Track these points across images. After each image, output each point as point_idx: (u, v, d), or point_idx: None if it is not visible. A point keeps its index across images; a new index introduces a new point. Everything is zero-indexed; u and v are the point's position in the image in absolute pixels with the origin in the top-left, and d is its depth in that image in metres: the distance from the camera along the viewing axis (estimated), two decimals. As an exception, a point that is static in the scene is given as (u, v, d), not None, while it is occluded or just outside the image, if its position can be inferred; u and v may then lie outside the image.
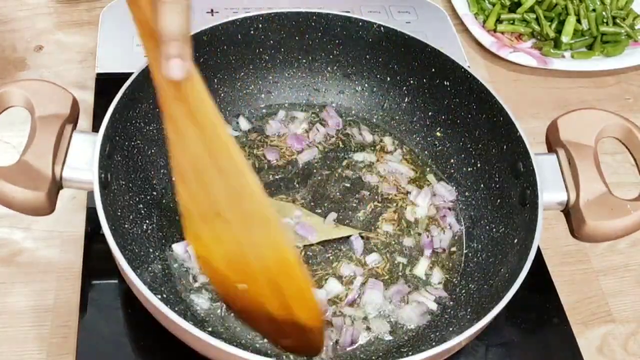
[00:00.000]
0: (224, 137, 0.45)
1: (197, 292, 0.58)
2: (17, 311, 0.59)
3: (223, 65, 0.69)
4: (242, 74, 0.71)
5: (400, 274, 0.62)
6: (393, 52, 0.69)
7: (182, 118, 0.45)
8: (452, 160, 0.69)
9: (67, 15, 0.87)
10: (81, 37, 0.84)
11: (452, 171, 0.69)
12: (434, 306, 0.59)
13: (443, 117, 0.70)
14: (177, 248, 0.60)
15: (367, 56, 0.71)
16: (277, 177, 0.67)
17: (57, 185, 0.53)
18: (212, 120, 0.44)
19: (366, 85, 0.73)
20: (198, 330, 0.46)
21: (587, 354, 0.60)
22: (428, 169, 0.70)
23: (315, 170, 0.68)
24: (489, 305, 0.51)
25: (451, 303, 0.60)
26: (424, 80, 0.69)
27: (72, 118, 0.56)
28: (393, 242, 0.64)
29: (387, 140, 0.72)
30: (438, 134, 0.71)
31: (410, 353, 0.47)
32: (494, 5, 0.93)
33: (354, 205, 0.66)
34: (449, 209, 0.67)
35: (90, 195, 0.53)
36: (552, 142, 0.61)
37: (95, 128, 0.56)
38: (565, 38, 0.89)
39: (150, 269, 0.57)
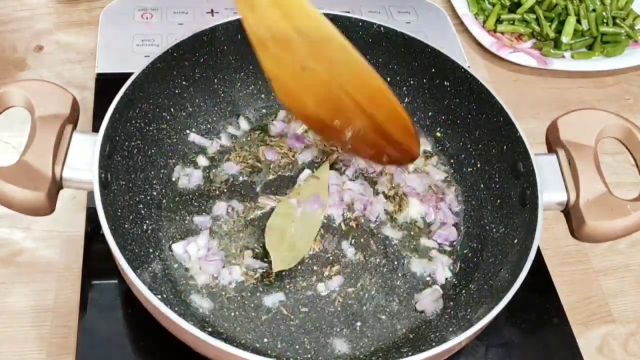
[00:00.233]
0: None
1: (197, 292, 0.58)
2: (17, 311, 0.59)
3: (223, 65, 0.69)
4: (242, 74, 0.71)
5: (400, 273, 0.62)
6: (393, 52, 0.69)
7: None
8: (452, 161, 0.69)
9: (67, 15, 0.87)
10: (81, 37, 0.84)
11: (452, 171, 0.69)
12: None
13: (443, 117, 0.70)
14: (177, 248, 0.60)
15: (367, 56, 0.70)
16: (277, 176, 0.67)
17: (57, 185, 0.53)
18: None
19: (366, 85, 0.73)
20: (198, 331, 0.46)
21: (587, 354, 0.60)
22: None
23: (314, 170, 0.68)
24: (489, 305, 0.51)
25: (451, 303, 0.60)
26: (424, 80, 0.69)
27: (72, 118, 0.56)
28: (394, 242, 0.64)
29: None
30: (438, 134, 0.71)
31: (410, 353, 0.47)
32: (494, 5, 0.93)
33: (357, 203, 0.66)
34: (444, 204, 0.67)
35: (90, 195, 0.53)
36: (552, 143, 0.61)
37: (95, 128, 0.56)
38: (565, 38, 0.89)
39: (150, 269, 0.57)
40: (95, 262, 0.60)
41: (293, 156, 0.69)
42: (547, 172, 0.58)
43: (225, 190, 0.65)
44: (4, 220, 0.65)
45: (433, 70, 0.68)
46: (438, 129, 0.71)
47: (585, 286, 0.68)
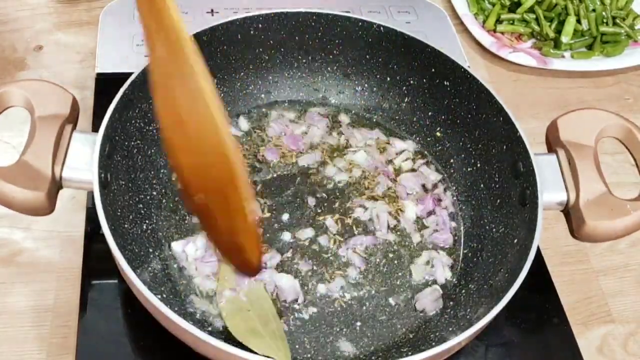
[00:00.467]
0: (186, 50, 0.47)
1: (197, 292, 0.58)
2: (17, 311, 0.59)
3: (223, 65, 0.69)
4: (242, 74, 0.71)
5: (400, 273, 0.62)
6: (393, 52, 0.70)
7: (154, 31, 0.48)
8: (452, 160, 0.69)
9: (67, 15, 0.87)
10: (81, 37, 0.84)
11: (452, 171, 0.69)
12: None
13: (443, 117, 0.70)
14: (176, 247, 0.60)
15: (367, 56, 0.71)
16: (277, 176, 0.67)
17: (56, 185, 0.53)
18: (175, 32, 0.46)
19: (366, 85, 0.73)
20: (198, 330, 0.46)
21: (587, 354, 0.60)
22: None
23: (314, 170, 0.68)
24: (489, 305, 0.51)
25: (451, 303, 0.60)
26: (424, 80, 0.69)
27: (72, 118, 0.56)
28: (394, 242, 0.64)
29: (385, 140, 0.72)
30: (438, 134, 0.71)
31: (410, 353, 0.47)
32: (493, 5, 0.93)
33: (355, 204, 0.66)
34: (443, 204, 0.67)
35: (90, 195, 0.53)
36: (552, 142, 0.61)
37: (95, 128, 0.56)
38: (565, 38, 0.89)
39: (150, 269, 0.57)
40: (95, 262, 0.60)
41: (292, 157, 0.69)
42: (547, 172, 0.58)
43: (225, 190, 0.65)
44: (4, 220, 0.65)
45: (433, 70, 0.68)
46: (438, 128, 0.71)
47: (585, 286, 0.68)
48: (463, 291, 0.60)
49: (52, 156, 0.53)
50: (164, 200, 0.64)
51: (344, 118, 0.73)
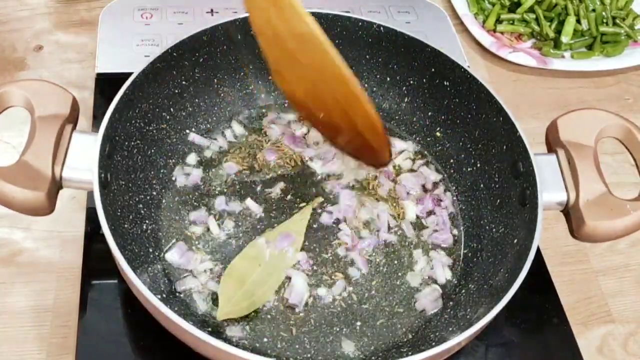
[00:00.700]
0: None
1: (197, 292, 0.58)
2: (17, 311, 0.59)
3: (223, 65, 0.69)
4: (242, 74, 0.71)
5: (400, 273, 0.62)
6: (393, 52, 0.70)
7: None
8: (452, 161, 0.69)
9: (66, 15, 0.87)
10: (81, 37, 0.84)
11: (452, 171, 0.69)
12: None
13: (443, 117, 0.70)
14: (171, 257, 0.59)
15: (367, 56, 0.71)
16: (277, 175, 0.67)
17: (57, 185, 0.53)
18: None
19: (366, 85, 0.73)
20: (198, 330, 0.46)
21: (587, 354, 0.60)
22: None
23: (315, 171, 0.68)
24: (489, 305, 0.51)
25: (451, 303, 0.60)
26: (424, 80, 0.69)
27: (72, 118, 0.56)
28: (394, 242, 0.64)
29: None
30: (438, 134, 0.71)
31: (410, 353, 0.47)
32: (493, 5, 0.94)
33: (356, 205, 0.66)
34: (443, 204, 0.67)
35: (90, 195, 0.53)
36: (552, 142, 0.61)
37: (95, 128, 0.56)
38: (565, 38, 0.89)
39: (150, 269, 0.57)
40: (95, 262, 0.60)
41: (292, 157, 0.69)
42: (546, 172, 0.58)
43: (225, 190, 0.65)
44: (4, 220, 0.65)
45: (433, 70, 0.68)
46: (438, 128, 0.71)
47: (584, 286, 0.68)
48: (463, 291, 0.60)
49: (52, 156, 0.53)
50: (164, 200, 0.64)
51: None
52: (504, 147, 0.62)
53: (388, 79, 0.72)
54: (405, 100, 0.72)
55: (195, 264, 0.59)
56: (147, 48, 0.80)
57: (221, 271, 0.59)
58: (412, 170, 0.69)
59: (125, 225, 0.57)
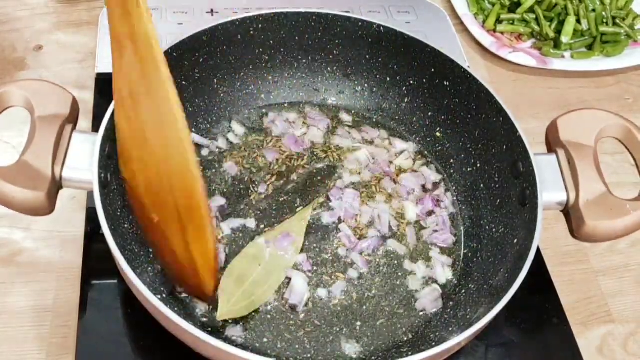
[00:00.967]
0: (158, 58, 0.47)
1: (197, 292, 0.58)
2: (17, 311, 0.59)
3: (223, 65, 0.69)
4: (242, 74, 0.71)
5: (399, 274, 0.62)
6: (393, 52, 0.70)
7: (125, 37, 0.48)
8: (452, 160, 0.69)
9: (66, 15, 0.87)
10: (81, 37, 0.84)
11: (452, 171, 0.69)
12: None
13: (443, 117, 0.70)
14: None
15: (367, 56, 0.71)
16: (277, 175, 0.67)
17: (56, 185, 0.53)
18: (148, 39, 0.46)
19: (366, 85, 0.73)
20: (198, 331, 0.46)
21: (587, 354, 0.60)
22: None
23: (315, 171, 0.68)
24: (488, 305, 0.51)
25: (451, 303, 0.60)
26: (424, 80, 0.69)
27: (72, 118, 0.56)
28: (396, 242, 0.64)
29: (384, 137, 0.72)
30: (438, 134, 0.71)
31: (410, 353, 0.47)
32: (493, 5, 0.93)
33: (357, 205, 0.66)
34: (443, 204, 0.67)
35: (90, 195, 0.53)
36: (552, 142, 0.61)
37: (95, 128, 0.56)
38: (565, 38, 0.89)
39: (150, 269, 0.57)
40: (95, 262, 0.60)
41: (292, 157, 0.69)
42: (546, 172, 0.58)
43: (224, 190, 0.65)
44: (4, 220, 0.65)
45: (433, 70, 0.68)
46: (438, 129, 0.71)
47: (584, 286, 0.68)
48: (463, 291, 0.60)
49: (52, 156, 0.53)
50: (164, 200, 0.64)
51: (345, 117, 0.73)
52: (504, 147, 0.62)
53: (388, 79, 0.72)
54: (405, 100, 0.72)
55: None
56: (147, 48, 0.79)
57: (221, 271, 0.59)
58: (412, 171, 0.69)
59: (126, 225, 0.57)
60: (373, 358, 0.56)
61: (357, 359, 0.56)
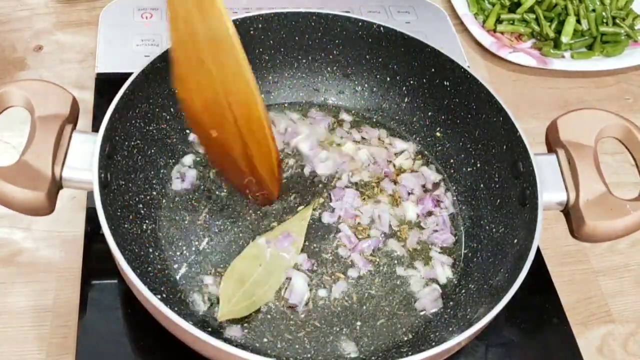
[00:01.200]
0: None
1: (197, 291, 0.58)
2: (17, 311, 0.59)
3: (223, 65, 0.69)
4: (242, 74, 0.71)
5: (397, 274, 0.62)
6: (393, 52, 0.70)
7: None
8: (452, 161, 0.69)
9: (66, 15, 0.87)
10: (81, 37, 0.84)
11: (452, 171, 0.69)
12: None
13: (443, 117, 0.70)
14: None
15: (367, 56, 0.71)
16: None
17: (56, 185, 0.53)
18: None
19: (366, 85, 0.73)
20: (198, 331, 0.46)
21: (587, 354, 0.60)
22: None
23: (315, 170, 0.68)
24: (488, 305, 0.51)
25: (451, 303, 0.60)
26: (424, 80, 0.69)
27: (72, 118, 0.56)
28: (394, 241, 0.64)
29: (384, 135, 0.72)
30: (438, 134, 0.71)
31: (410, 353, 0.47)
32: (493, 5, 0.94)
33: (357, 205, 0.66)
34: (443, 204, 0.67)
35: (90, 195, 0.53)
36: (552, 142, 0.61)
37: (95, 128, 0.56)
38: (565, 38, 0.89)
39: (150, 269, 0.57)
40: (95, 262, 0.60)
41: (291, 158, 0.69)
42: (546, 172, 0.58)
43: (225, 190, 0.65)
44: (4, 220, 0.65)
45: (433, 70, 0.68)
46: (438, 129, 0.71)
47: (584, 286, 0.68)
48: (463, 291, 0.60)
49: (52, 156, 0.53)
50: (164, 200, 0.64)
51: (345, 117, 0.73)
52: (504, 147, 0.62)
53: (388, 79, 0.72)
54: (405, 100, 0.72)
55: (196, 266, 0.59)
56: (147, 48, 0.80)
57: (222, 271, 0.59)
58: (412, 171, 0.69)
59: (126, 225, 0.57)
60: (373, 358, 0.56)
61: (357, 359, 0.56)
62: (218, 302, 0.57)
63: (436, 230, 0.65)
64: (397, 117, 0.73)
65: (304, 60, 0.72)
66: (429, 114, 0.71)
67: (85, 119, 0.70)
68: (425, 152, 0.71)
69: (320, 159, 0.69)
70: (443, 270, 0.62)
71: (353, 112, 0.74)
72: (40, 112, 0.55)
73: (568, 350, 0.60)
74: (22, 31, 0.84)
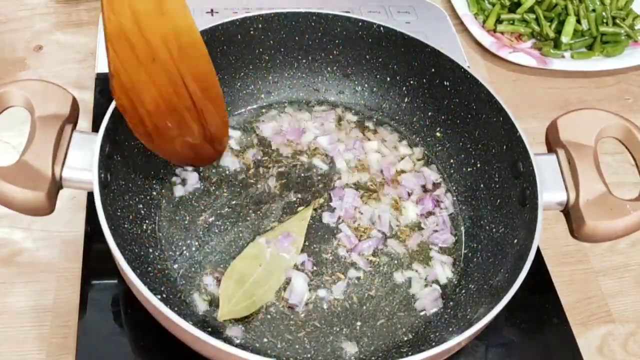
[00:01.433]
0: None
1: (197, 291, 0.58)
2: (17, 311, 0.59)
3: (223, 65, 0.69)
4: (242, 74, 0.71)
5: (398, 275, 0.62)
6: (393, 52, 0.70)
7: None
8: (452, 160, 0.69)
9: (66, 15, 0.87)
10: (81, 37, 0.84)
11: (452, 171, 0.69)
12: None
13: (443, 117, 0.70)
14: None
15: (367, 56, 0.71)
16: (277, 174, 0.67)
17: (56, 185, 0.53)
18: None
19: (366, 85, 0.73)
20: (198, 331, 0.46)
21: (587, 354, 0.60)
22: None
23: (315, 170, 0.68)
24: (488, 305, 0.51)
25: (451, 303, 0.60)
26: (424, 80, 0.69)
27: (72, 118, 0.56)
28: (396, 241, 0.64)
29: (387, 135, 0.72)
30: (438, 134, 0.71)
31: (410, 353, 0.47)
32: (493, 5, 0.94)
33: (358, 205, 0.66)
34: (443, 204, 0.67)
35: (90, 195, 0.53)
36: (552, 142, 0.61)
37: (95, 128, 0.56)
38: (565, 38, 0.89)
39: (150, 269, 0.57)
40: (95, 262, 0.60)
41: (291, 157, 0.69)
42: (546, 172, 0.58)
43: (225, 190, 0.65)
44: (4, 220, 0.65)
45: (433, 70, 0.68)
46: (438, 129, 0.71)
47: (584, 286, 0.68)
48: (463, 291, 0.60)
49: (52, 156, 0.53)
50: (164, 200, 0.64)
51: (349, 116, 0.73)
52: (504, 147, 0.62)
53: (388, 79, 0.72)
54: (405, 100, 0.72)
55: (196, 265, 0.59)
56: (147, 48, 0.79)
57: (222, 271, 0.59)
58: (412, 171, 0.69)
59: (126, 225, 0.57)
60: (373, 358, 0.56)
61: (357, 359, 0.56)
62: (218, 302, 0.57)
63: (436, 231, 0.65)
64: (397, 117, 0.73)
65: (304, 60, 0.72)
66: (429, 114, 0.71)
67: (85, 119, 0.70)
68: (426, 152, 0.71)
69: (320, 156, 0.69)
70: (443, 271, 0.62)
71: (353, 112, 0.74)
72: (40, 112, 0.55)
73: (568, 350, 0.60)
74: (22, 31, 0.84)
